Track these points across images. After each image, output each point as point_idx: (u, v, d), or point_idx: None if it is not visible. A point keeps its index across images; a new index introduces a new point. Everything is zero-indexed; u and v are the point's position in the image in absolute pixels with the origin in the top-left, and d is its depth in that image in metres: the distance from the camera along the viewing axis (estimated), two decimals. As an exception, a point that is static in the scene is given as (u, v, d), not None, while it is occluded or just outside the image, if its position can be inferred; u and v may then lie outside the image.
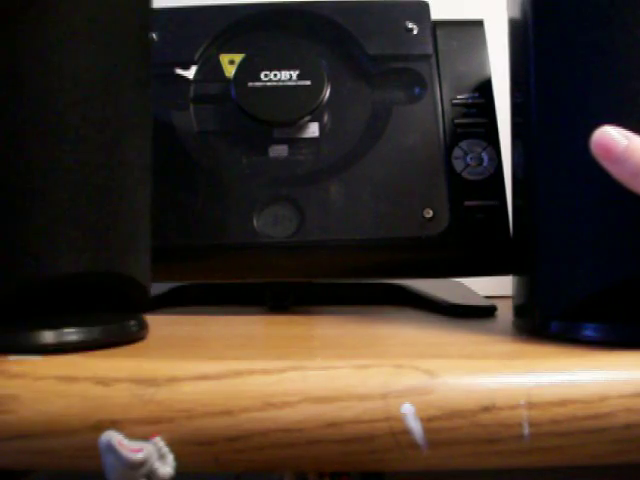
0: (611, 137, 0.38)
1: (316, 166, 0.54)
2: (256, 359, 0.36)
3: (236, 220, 0.52)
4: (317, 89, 0.55)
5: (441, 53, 0.59)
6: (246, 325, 0.49)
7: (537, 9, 0.45)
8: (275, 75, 0.55)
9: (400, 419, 0.33)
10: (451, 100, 0.57)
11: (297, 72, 0.55)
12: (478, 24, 0.61)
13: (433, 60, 0.58)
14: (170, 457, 0.32)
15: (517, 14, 0.49)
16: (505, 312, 0.52)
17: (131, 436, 0.32)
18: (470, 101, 0.57)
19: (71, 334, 0.37)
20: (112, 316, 0.40)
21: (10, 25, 0.35)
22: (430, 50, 0.59)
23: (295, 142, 0.55)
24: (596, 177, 0.41)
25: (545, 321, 0.42)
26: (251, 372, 0.34)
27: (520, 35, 0.48)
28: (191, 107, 0.55)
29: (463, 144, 0.56)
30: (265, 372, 0.34)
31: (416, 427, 0.33)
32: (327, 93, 0.55)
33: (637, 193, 0.37)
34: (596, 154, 0.38)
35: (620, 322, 0.40)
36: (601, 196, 0.42)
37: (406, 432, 0.33)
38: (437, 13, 0.62)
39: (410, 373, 0.34)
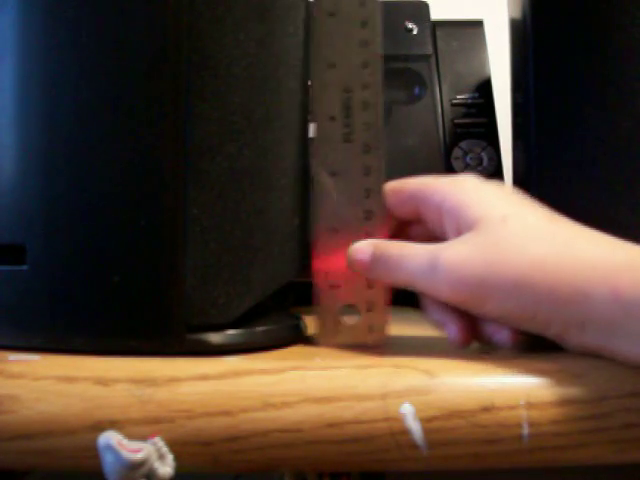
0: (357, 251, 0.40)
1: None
2: (255, 359, 0.36)
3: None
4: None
5: (441, 53, 0.59)
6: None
7: (537, 10, 0.45)
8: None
9: (399, 419, 0.33)
10: (451, 100, 0.57)
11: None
12: (478, 24, 0.61)
13: (433, 60, 0.58)
14: (170, 457, 0.32)
15: (517, 14, 0.49)
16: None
17: (130, 436, 0.32)
18: (470, 101, 0.57)
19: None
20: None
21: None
22: (430, 50, 0.59)
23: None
24: (596, 177, 0.41)
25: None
26: (250, 372, 0.34)
27: (520, 36, 0.48)
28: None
29: (463, 144, 0.56)
30: (264, 372, 0.34)
31: (415, 427, 0.33)
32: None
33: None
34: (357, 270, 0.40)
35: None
36: (601, 196, 0.42)
37: (405, 432, 0.33)
38: (437, 13, 0.62)
39: (409, 373, 0.34)
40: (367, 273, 0.40)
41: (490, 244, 0.36)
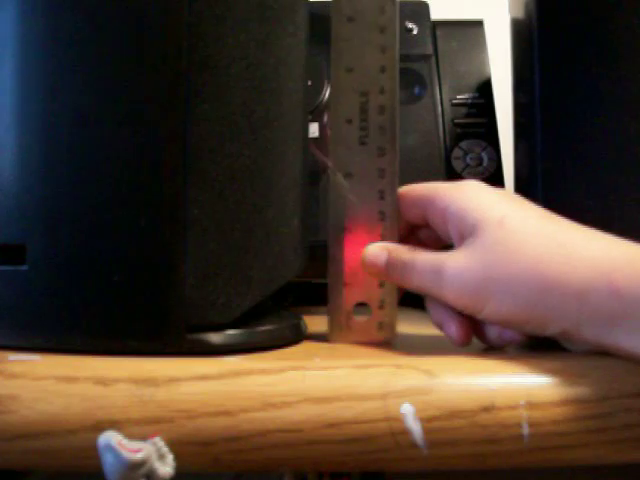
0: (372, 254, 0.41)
1: (316, 166, 0.54)
2: (255, 359, 0.36)
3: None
4: (317, 89, 0.55)
5: (441, 53, 0.59)
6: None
7: (542, 10, 0.45)
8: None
9: (400, 419, 0.33)
10: (451, 100, 0.57)
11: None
12: (478, 24, 0.61)
13: (433, 60, 0.58)
14: (170, 457, 0.32)
15: (521, 15, 0.49)
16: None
17: (130, 436, 0.32)
18: (470, 101, 0.57)
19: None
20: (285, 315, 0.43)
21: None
22: (430, 50, 0.59)
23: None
24: (600, 177, 0.41)
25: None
26: (250, 372, 0.34)
27: (524, 36, 0.48)
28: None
29: (463, 144, 0.56)
30: (264, 372, 0.34)
31: (415, 427, 0.33)
32: (327, 93, 0.55)
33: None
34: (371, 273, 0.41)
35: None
36: (604, 196, 0.42)
37: (406, 432, 0.33)
38: (437, 13, 0.62)
39: (409, 373, 0.34)
40: (382, 277, 0.41)
41: (487, 249, 0.36)
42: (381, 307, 0.41)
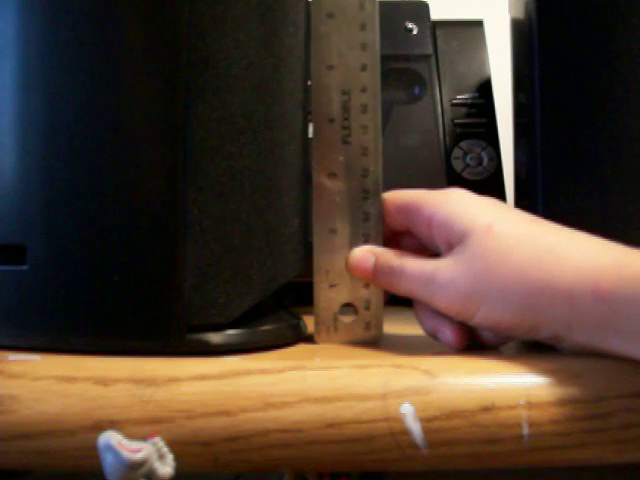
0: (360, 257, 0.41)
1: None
2: (255, 359, 0.36)
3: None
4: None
5: (441, 53, 0.59)
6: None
7: (542, 10, 0.45)
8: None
9: (400, 419, 0.33)
10: (451, 100, 0.57)
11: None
12: (478, 24, 0.61)
13: (433, 60, 0.58)
14: (170, 457, 0.32)
15: (521, 15, 0.49)
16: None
17: (130, 436, 0.32)
18: (470, 101, 0.57)
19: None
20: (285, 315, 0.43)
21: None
22: (430, 50, 0.59)
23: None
24: (600, 177, 0.41)
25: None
26: (250, 372, 0.34)
27: (524, 36, 0.48)
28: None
29: (463, 144, 0.56)
30: (264, 372, 0.34)
31: (415, 427, 0.33)
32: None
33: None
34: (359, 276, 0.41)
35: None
36: (604, 196, 0.42)
37: (405, 432, 0.33)
38: (437, 13, 0.62)
39: (409, 373, 0.34)
40: (369, 281, 0.41)
41: (477, 256, 0.37)
42: (367, 308, 0.41)
